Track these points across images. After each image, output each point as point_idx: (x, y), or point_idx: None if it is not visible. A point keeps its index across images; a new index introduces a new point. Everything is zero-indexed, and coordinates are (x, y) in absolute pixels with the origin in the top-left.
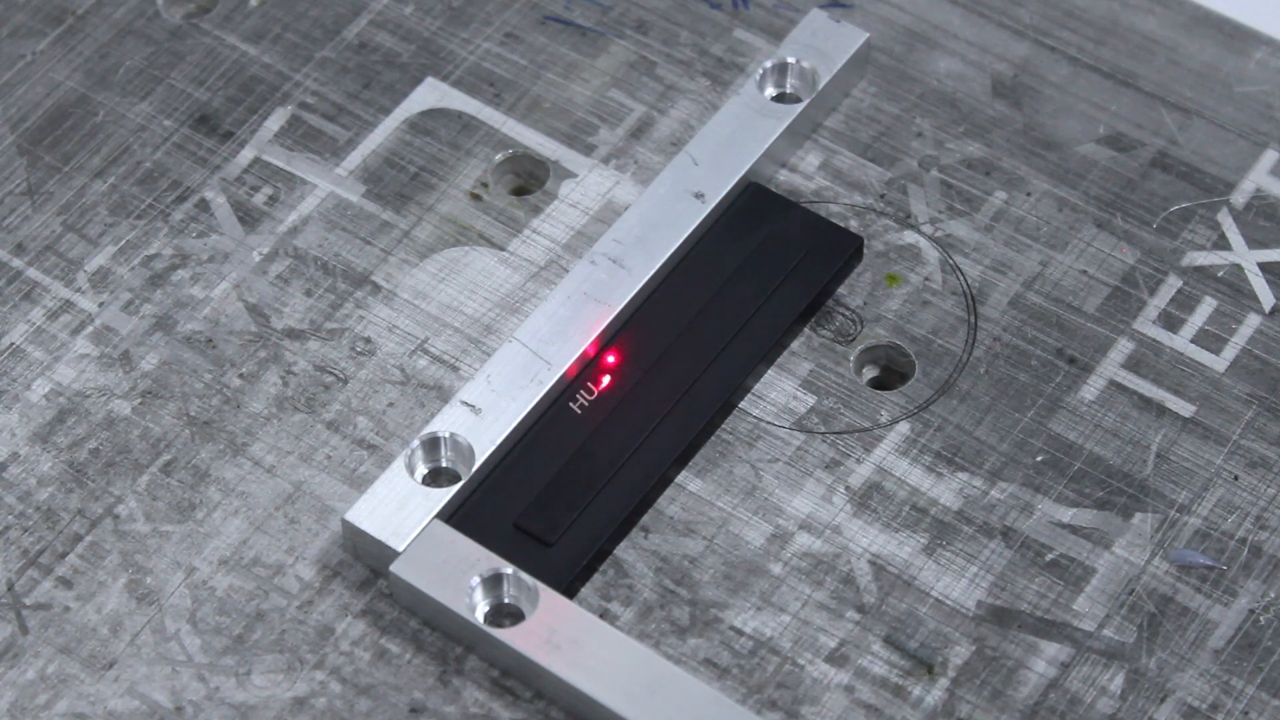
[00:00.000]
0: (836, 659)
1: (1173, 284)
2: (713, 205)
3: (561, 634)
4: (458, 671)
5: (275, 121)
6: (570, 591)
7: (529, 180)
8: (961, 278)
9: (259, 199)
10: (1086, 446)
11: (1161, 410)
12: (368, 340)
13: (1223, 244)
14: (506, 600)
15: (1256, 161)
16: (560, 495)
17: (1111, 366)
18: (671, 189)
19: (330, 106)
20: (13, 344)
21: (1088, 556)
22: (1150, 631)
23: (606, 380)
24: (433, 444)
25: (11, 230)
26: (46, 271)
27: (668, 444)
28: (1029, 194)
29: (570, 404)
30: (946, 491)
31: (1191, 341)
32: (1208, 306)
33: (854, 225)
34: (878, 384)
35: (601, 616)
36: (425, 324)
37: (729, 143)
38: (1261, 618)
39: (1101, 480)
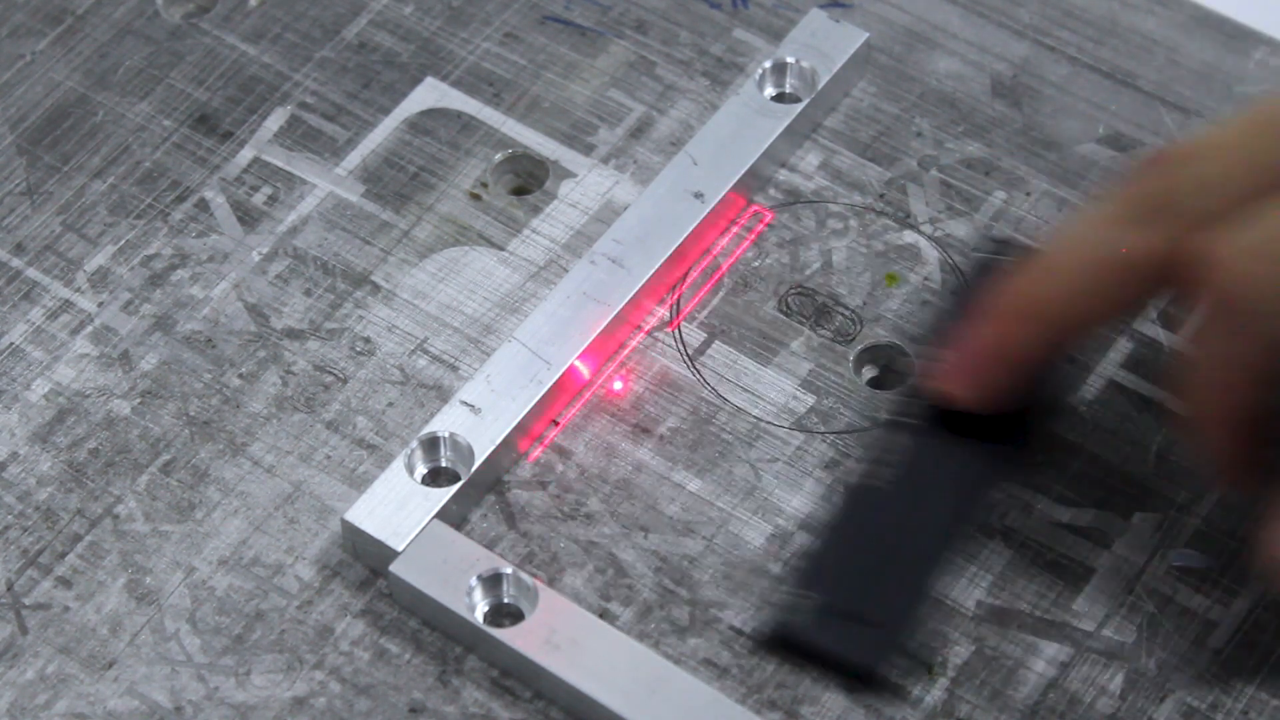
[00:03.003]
0: None
1: None
2: (712, 205)
3: (561, 634)
4: (457, 671)
5: (275, 121)
6: (892, 667)
7: (529, 180)
8: (961, 278)
9: (258, 199)
10: (1086, 446)
11: (1161, 410)
12: (367, 340)
13: None
14: (506, 600)
15: None
16: (872, 574)
17: (1111, 366)
18: (671, 189)
19: (330, 106)
20: (12, 344)
21: (1087, 556)
22: (1150, 631)
23: (907, 454)
24: (432, 444)
25: (11, 230)
26: (46, 271)
27: (966, 505)
28: (1029, 194)
29: (872, 480)
30: None
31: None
32: None
33: (854, 225)
34: (877, 384)
35: (601, 616)
36: (425, 324)
37: (728, 143)
38: (1260, 617)
39: (1101, 480)
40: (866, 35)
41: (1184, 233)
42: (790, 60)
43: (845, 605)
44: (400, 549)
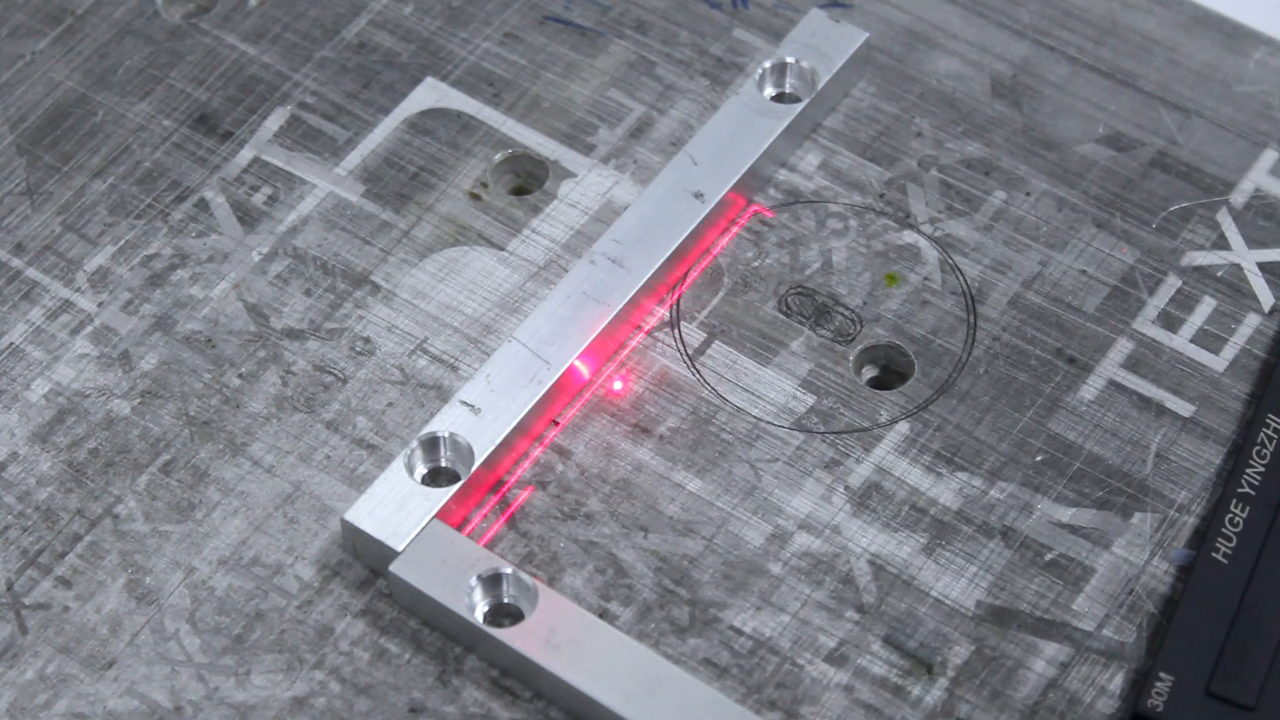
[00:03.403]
0: (836, 659)
1: (1172, 284)
2: (712, 205)
3: (561, 634)
4: (457, 671)
5: (275, 121)
6: None
7: (528, 180)
8: (961, 278)
9: (258, 199)
10: (1086, 446)
11: (1161, 410)
12: (367, 340)
13: (1222, 244)
14: (506, 600)
15: (1256, 161)
16: (1246, 652)
17: (1111, 366)
18: (671, 189)
19: (330, 106)
20: (12, 344)
21: (1087, 556)
22: (1150, 631)
23: (1244, 522)
24: (432, 444)
25: (11, 230)
26: (46, 271)
27: None
28: (1028, 194)
29: (1214, 554)
30: (946, 491)
31: (1191, 341)
32: (1207, 306)
33: (854, 225)
34: (877, 384)
35: (601, 616)
36: (425, 324)
37: (728, 142)
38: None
39: (1101, 480)
40: (866, 35)
41: None
42: (790, 60)
43: (1221, 689)
44: (400, 549)
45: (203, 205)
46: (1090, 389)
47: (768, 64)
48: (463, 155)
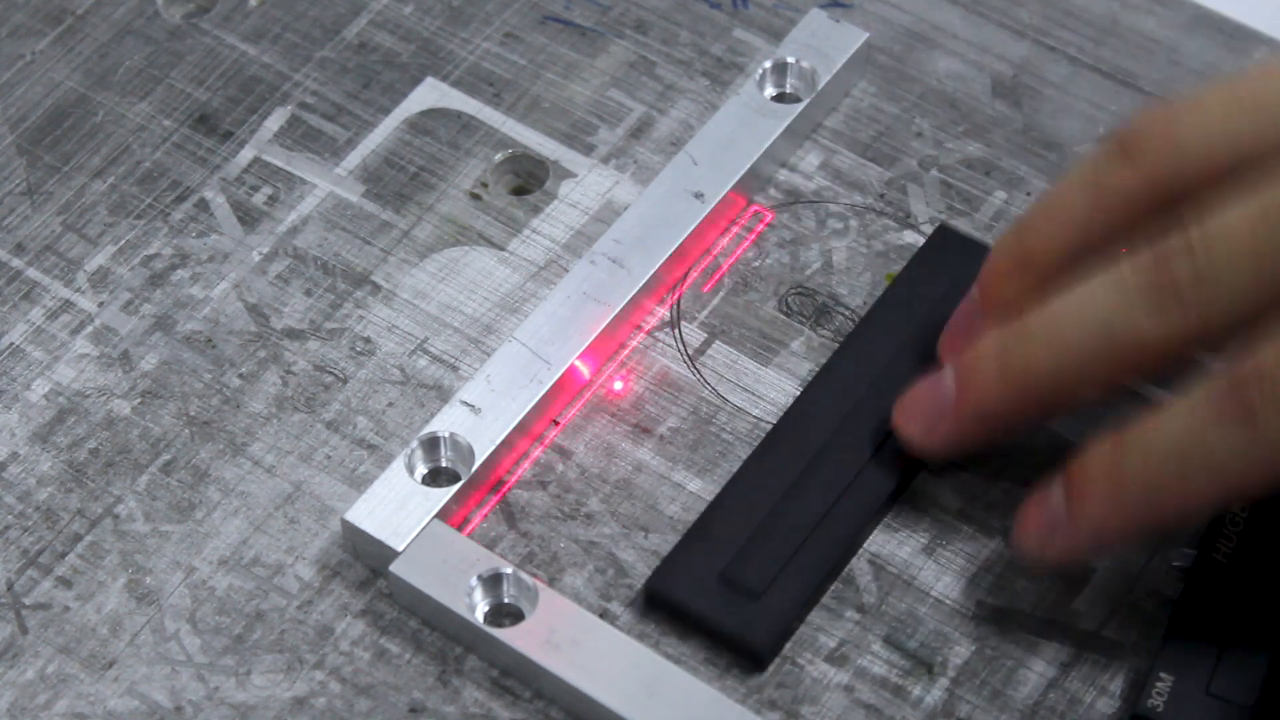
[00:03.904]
0: (836, 659)
1: None
2: (713, 205)
3: (561, 634)
4: (457, 671)
5: (275, 121)
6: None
7: (529, 180)
8: None
9: (259, 199)
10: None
11: None
12: (367, 340)
13: None
14: (506, 600)
15: None
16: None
17: None
18: (671, 189)
19: (330, 106)
20: (12, 344)
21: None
22: (1150, 631)
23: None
24: (432, 444)
25: (11, 230)
26: (46, 271)
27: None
28: (1029, 194)
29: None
30: (946, 491)
31: None
32: None
33: (854, 225)
34: None
35: (601, 616)
36: (425, 324)
37: (729, 143)
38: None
39: None
40: (866, 35)
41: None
42: (790, 60)
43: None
44: (400, 549)
45: (203, 205)
46: None
47: (768, 64)
48: (463, 155)
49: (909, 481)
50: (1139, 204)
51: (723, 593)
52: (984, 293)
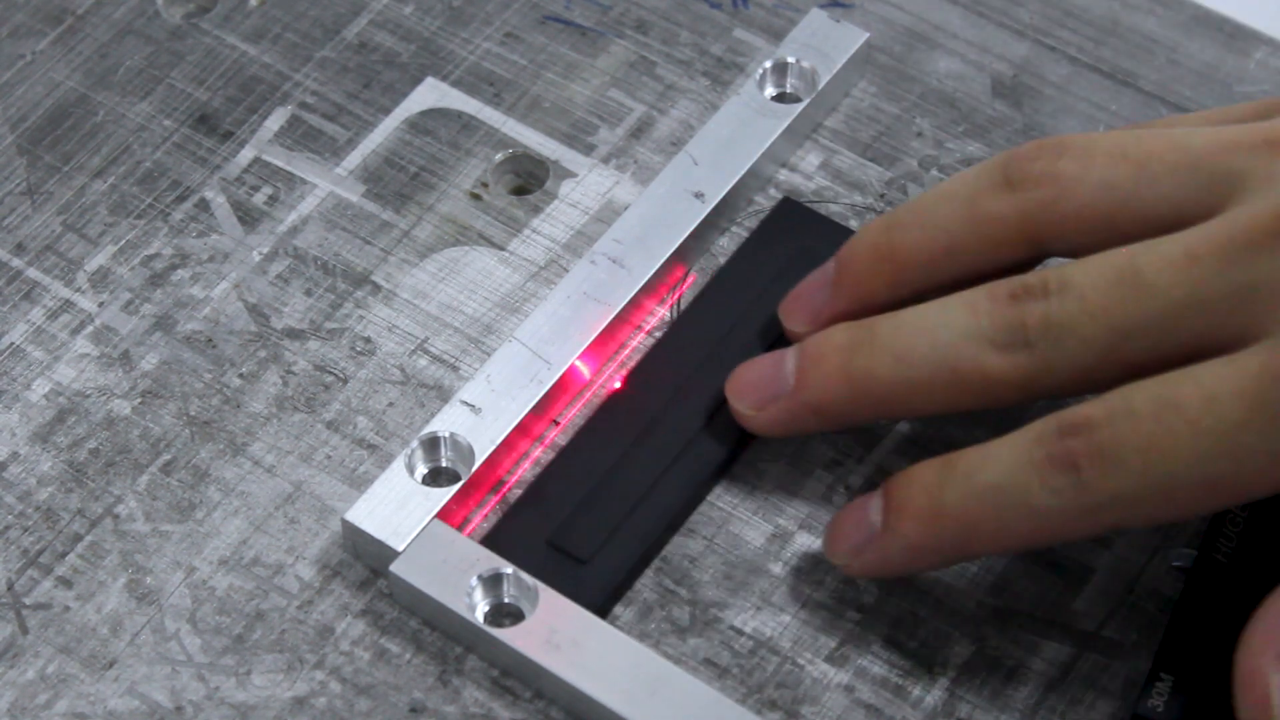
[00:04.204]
0: (836, 659)
1: None
2: (713, 205)
3: (561, 634)
4: (458, 671)
5: (275, 121)
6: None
7: (529, 180)
8: None
9: (259, 199)
10: None
11: None
12: (368, 340)
13: None
14: (506, 600)
15: None
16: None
17: None
18: (671, 189)
19: (330, 106)
20: (13, 344)
21: (1088, 556)
22: (1150, 631)
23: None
24: (432, 444)
25: (11, 230)
26: (46, 271)
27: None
28: None
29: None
30: None
31: None
32: None
33: (854, 225)
34: None
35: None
36: (425, 324)
37: (729, 143)
38: None
39: None
40: (867, 35)
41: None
42: (791, 60)
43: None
44: (400, 549)
45: (203, 205)
46: None
47: (768, 64)
48: (463, 155)
49: (741, 451)
50: (1010, 231)
51: (551, 557)
52: (841, 274)
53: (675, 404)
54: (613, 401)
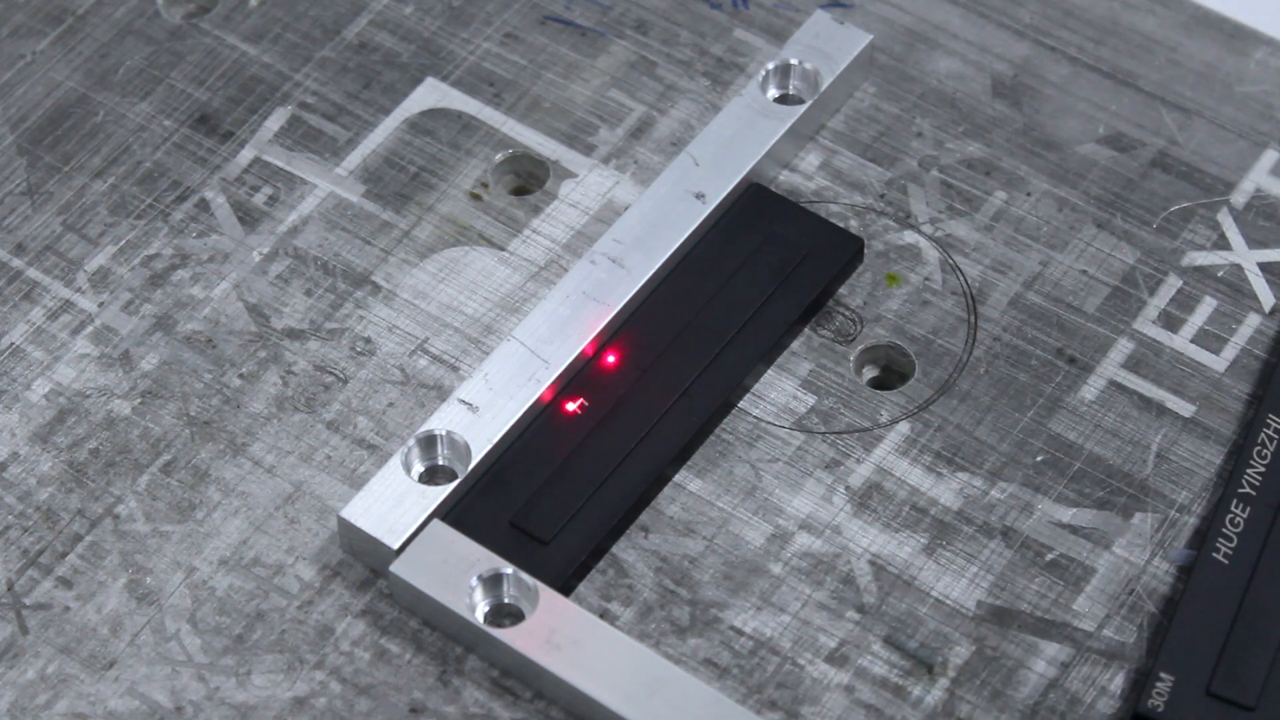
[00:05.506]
0: (836, 659)
1: (1173, 284)
2: (714, 205)
3: (561, 634)
4: (458, 671)
5: (275, 121)
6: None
7: (529, 180)
8: (961, 278)
9: (259, 199)
10: (1086, 446)
11: (1161, 410)
12: (368, 340)
13: (1223, 244)
14: (506, 600)
15: (1256, 161)
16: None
17: (1111, 366)
18: (672, 189)
19: (330, 106)
20: (13, 344)
21: (1088, 556)
22: (1150, 631)
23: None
24: (429, 442)
25: (11, 230)
26: (46, 271)
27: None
28: (1029, 194)
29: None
30: (946, 491)
31: (1191, 341)
32: (1208, 306)
33: (854, 225)
34: (878, 384)
35: (601, 616)
36: (425, 324)
37: (730, 143)
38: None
39: (1101, 480)
40: (870, 37)
41: None
42: (794, 62)
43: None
44: (395, 546)
45: (203, 205)
46: (1091, 389)
47: (771, 65)
48: (463, 155)
49: (705, 435)
50: None
51: (513, 538)
52: None
53: (640, 388)
54: (579, 385)
